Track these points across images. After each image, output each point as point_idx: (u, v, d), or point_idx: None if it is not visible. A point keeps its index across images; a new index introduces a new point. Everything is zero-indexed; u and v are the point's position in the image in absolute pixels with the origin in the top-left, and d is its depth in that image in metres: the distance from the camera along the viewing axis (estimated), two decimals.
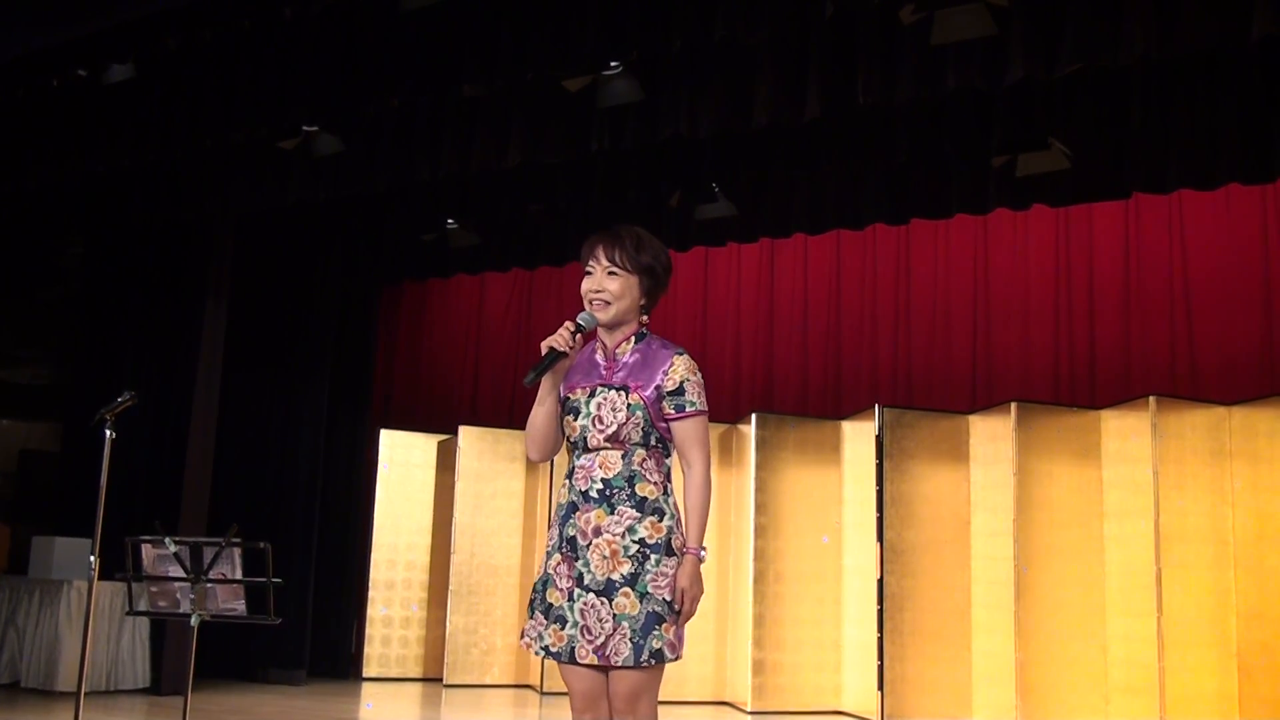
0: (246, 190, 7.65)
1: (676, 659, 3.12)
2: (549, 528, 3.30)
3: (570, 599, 3.11)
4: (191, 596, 5.06)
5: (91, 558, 5.13)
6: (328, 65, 6.58)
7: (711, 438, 9.10)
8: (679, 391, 3.17)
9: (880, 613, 7.61)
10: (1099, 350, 8.54)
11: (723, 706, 8.32)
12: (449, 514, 9.35)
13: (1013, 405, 7.57)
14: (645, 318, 3.30)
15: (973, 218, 8.44)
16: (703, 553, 3.14)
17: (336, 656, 9.57)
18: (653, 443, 3.19)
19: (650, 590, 3.06)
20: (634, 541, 3.09)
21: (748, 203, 8.06)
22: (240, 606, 5.13)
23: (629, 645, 3.03)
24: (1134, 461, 7.38)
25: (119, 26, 6.82)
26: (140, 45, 6.87)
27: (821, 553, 8.23)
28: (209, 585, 5.06)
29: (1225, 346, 8.07)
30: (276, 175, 7.48)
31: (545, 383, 3.24)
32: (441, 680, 9.13)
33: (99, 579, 5.27)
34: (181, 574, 5.05)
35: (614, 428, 3.15)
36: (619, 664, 3.04)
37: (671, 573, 3.10)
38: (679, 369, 3.19)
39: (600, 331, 3.28)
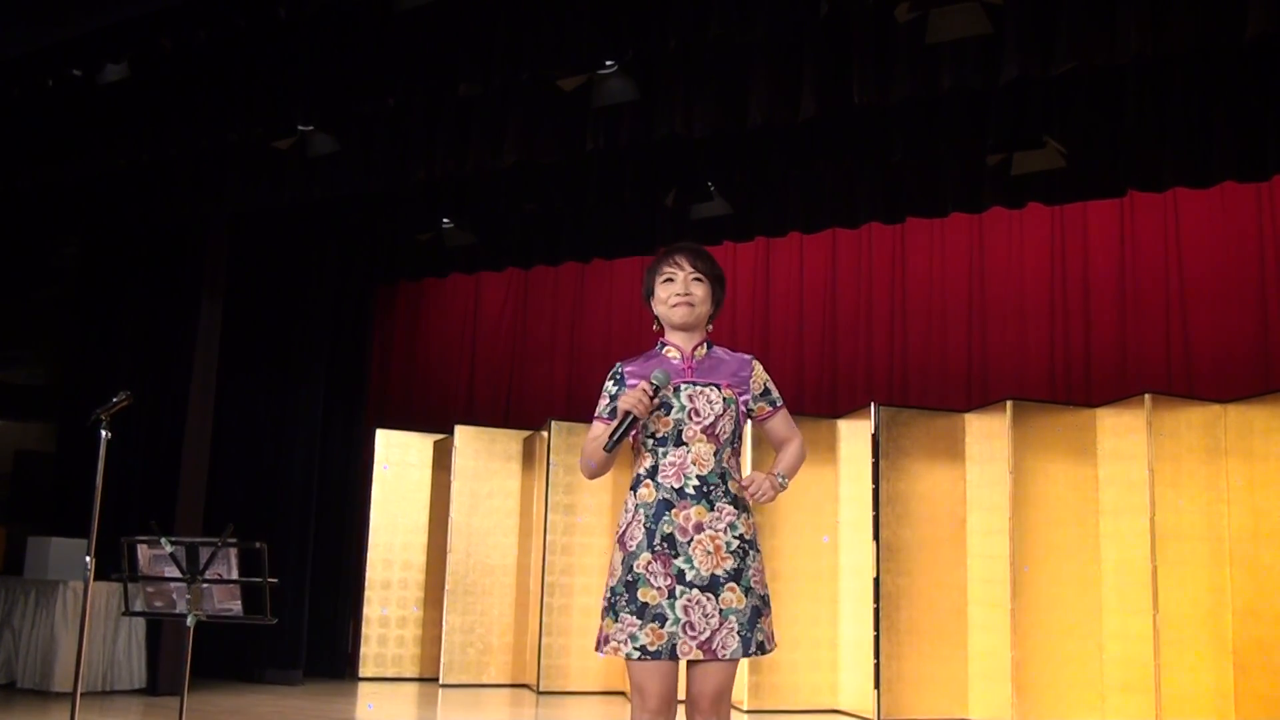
0: (241, 190, 7.64)
1: (773, 649, 3.27)
2: (623, 529, 3.27)
3: (671, 596, 3.15)
4: (187, 597, 5.06)
5: (87, 558, 5.13)
6: (322, 65, 6.58)
7: None
8: (766, 392, 3.42)
9: (876, 611, 7.62)
10: (1094, 348, 8.55)
11: None
12: (445, 513, 9.35)
13: (1008, 403, 7.57)
14: (710, 326, 3.48)
15: (968, 216, 8.45)
16: (782, 479, 3.34)
17: (333, 656, 9.56)
18: (736, 441, 3.35)
19: (753, 585, 3.20)
20: (735, 537, 3.21)
21: (743, 202, 8.06)
22: (236, 607, 5.13)
23: (737, 638, 3.14)
24: (1129, 459, 7.39)
25: (113, 26, 6.81)
26: (135, 45, 6.86)
27: (818, 551, 8.24)
28: (205, 585, 5.06)
29: (1220, 344, 8.08)
30: (271, 175, 7.47)
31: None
32: (438, 680, 9.14)
33: (95, 579, 5.27)
34: (177, 574, 5.05)
35: (711, 419, 3.27)
36: (726, 656, 3.13)
37: (762, 568, 3.27)
38: (760, 372, 3.44)
39: (675, 336, 3.42)
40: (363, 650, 9.46)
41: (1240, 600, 7.19)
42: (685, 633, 3.13)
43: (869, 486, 7.78)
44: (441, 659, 9.13)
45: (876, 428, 7.81)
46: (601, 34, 5.98)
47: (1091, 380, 8.47)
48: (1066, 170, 7.07)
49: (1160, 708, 6.98)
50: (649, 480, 3.26)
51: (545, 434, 8.99)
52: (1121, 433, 7.48)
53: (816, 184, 7.88)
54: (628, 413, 3.19)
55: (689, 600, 3.14)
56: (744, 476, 3.27)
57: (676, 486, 3.22)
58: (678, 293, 3.36)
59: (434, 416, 10.27)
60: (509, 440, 9.54)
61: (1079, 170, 7.14)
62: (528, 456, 9.52)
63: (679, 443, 3.25)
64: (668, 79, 6.38)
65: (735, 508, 3.23)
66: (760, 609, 3.18)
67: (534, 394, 10.34)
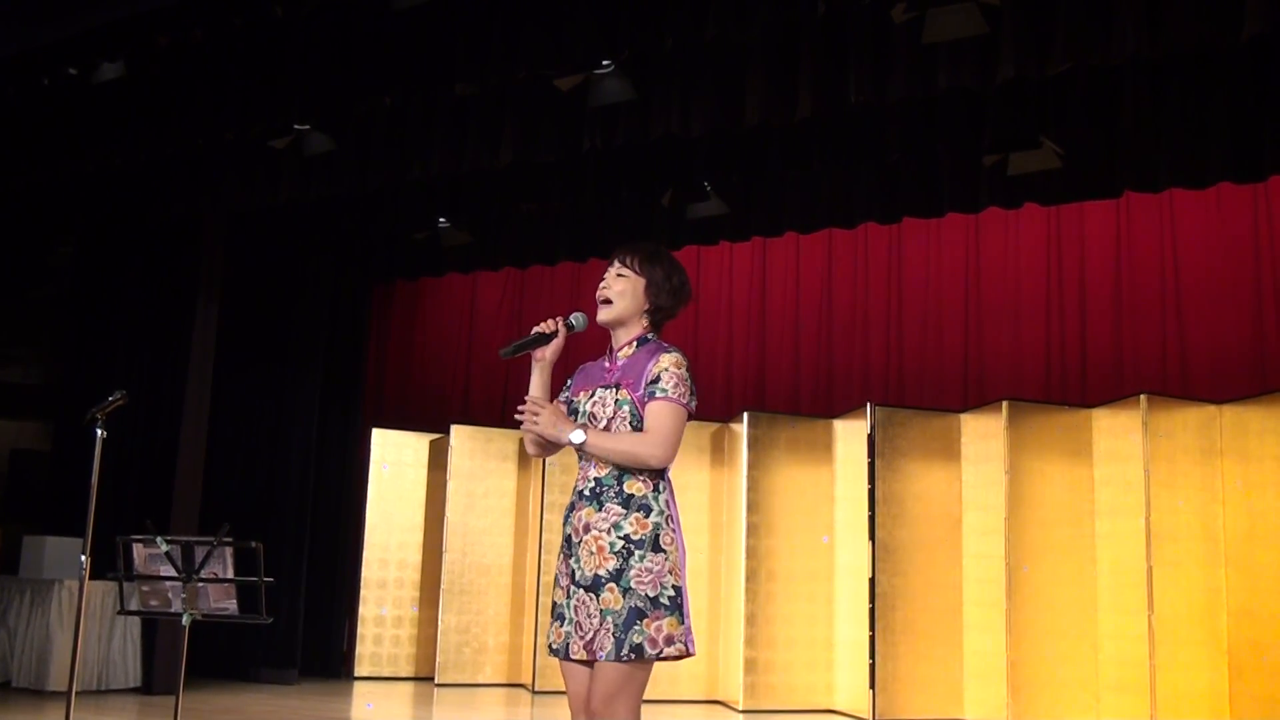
0: (238, 189, 7.63)
1: (684, 654, 3.12)
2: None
3: (568, 596, 3.19)
4: (183, 596, 5.06)
5: (83, 557, 5.11)
6: (319, 64, 6.57)
7: (704, 436, 8.99)
8: (655, 380, 3.19)
9: (872, 611, 7.62)
10: (1090, 349, 8.56)
11: (715, 705, 8.33)
12: (441, 513, 9.34)
13: (1004, 404, 7.58)
14: (647, 321, 3.33)
15: (964, 216, 8.46)
16: (572, 437, 3.17)
17: (328, 656, 9.56)
18: None
19: (633, 585, 3.09)
20: (619, 537, 3.13)
21: (740, 201, 8.06)
22: (232, 606, 5.12)
23: (611, 639, 3.06)
24: (1125, 460, 7.39)
25: (110, 25, 6.80)
26: (131, 44, 6.85)
27: (814, 551, 8.24)
28: (200, 584, 5.05)
29: (1216, 345, 8.10)
30: (268, 174, 7.47)
31: (535, 377, 3.31)
32: (433, 680, 9.13)
33: (90, 578, 5.25)
34: (173, 573, 5.04)
35: (603, 423, 3.22)
36: (601, 658, 3.06)
37: (656, 569, 3.12)
38: (663, 362, 3.21)
39: (613, 336, 3.35)
40: (358, 649, 9.45)
41: (1235, 601, 7.20)
42: (576, 632, 3.14)
43: (865, 487, 7.78)
44: (437, 658, 9.13)
45: (872, 428, 7.82)
46: (598, 33, 5.97)
47: (1087, 381, 8.48)
48: (1063, 171, 7.07)
49: (1155, 708, 6.98)
50: (574, 485, 3.31)
51: None
52: (1117, 433, 7.49)
53: (813, 184, 7.88)
54: (537, 331, 3.27)
55: (578, 601, 3.15)
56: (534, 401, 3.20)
57: (579, 489, 3.24)
58: (600, 287, 3.32)
59: (430, 416, 10.27)
60: (505, 440, 9.53)
61: (1075, 171, 7.14)
62: (523, 457, 9.51)
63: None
64: (664, 79, 6.37)
65: (624, 508, 3.14)
66: (643, 610, 3.06)
67: None
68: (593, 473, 3.21)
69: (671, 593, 3.12)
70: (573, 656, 3.14)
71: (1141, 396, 7.32)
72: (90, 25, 6.82)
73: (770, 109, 6.12)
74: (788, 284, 9.75)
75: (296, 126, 7.07)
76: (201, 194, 7.75)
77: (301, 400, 9.45)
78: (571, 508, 3.25)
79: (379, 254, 9.87)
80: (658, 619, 3.08)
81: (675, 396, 3.17)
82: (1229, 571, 7.25)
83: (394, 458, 9.75)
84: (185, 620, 5.07)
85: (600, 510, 3.16)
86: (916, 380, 9.08)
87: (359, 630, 9.48)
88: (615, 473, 3.18)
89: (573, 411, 3.30)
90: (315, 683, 9.13)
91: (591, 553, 3.14)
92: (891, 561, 7.72)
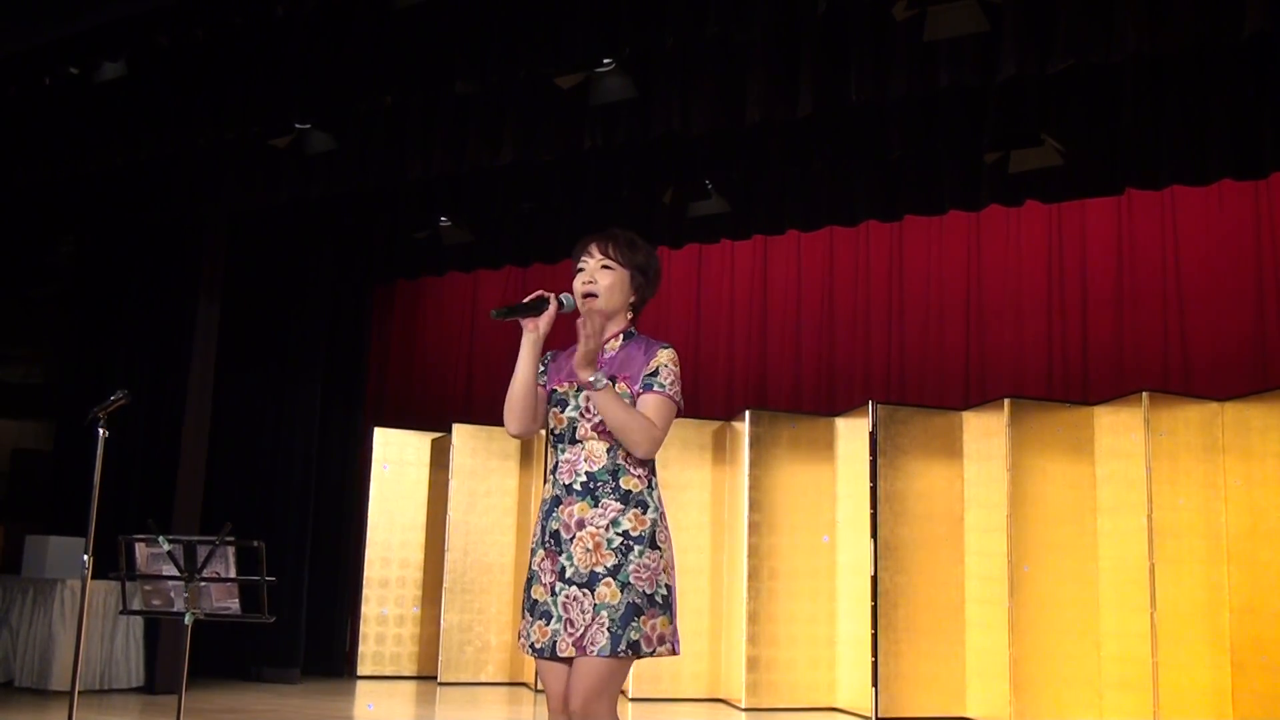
0: (239, 188, 7.63)
1: (671, 653, 3.11)
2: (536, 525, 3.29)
3: (553, 593, 3.10)
4: (185, 595, 5.06)
5: (85, 557, 5.12)
6: (320, 63, 6.57)
7: (705, 435, 8.99)
8: (653, 373, 3.18)
9: (874, 609, 7.62)
10: (1092, 346, 8.55)
11: (717, 703, 8.32)
12: (443, 512, 9.34)
13: (1006, 401, 7.57)
14: (631, 315, 3.33)
15: (965, 214, 8.44)
16: (595, 379, 3.06)
17: (331, 655, 9.56)
18: None
19: (632, 581, 3.05)
20: (618, 534, 3.09)
21: (741, 199, 8.05)
22: (234, 605, 5.13)
23: (606, 634, 3.01)
24: (1127, 457, 7.39)
25: (111, 24, 6.81)
26: (132, 43, 6.85)
27: (816, 549, 8.24)
28: (203, 584, 5.05)
29: (1217, 342, 8.09)
30: (269, 173, 7.47)
31: (526, 349, 3.23)
32: (436, 678, 9.14)
33: (93, 578, 5.26)
34: (175, 573, 5.05)
35: (599, 417, 3.15)
36: (594, 653, 3.00)
37: (654, 565, 3.10)
38: (661, 357, 3.21)
39: None
40: (360, 648, 9.46)
41: (1238, 598, 7.20)
42: (565, 630, 3.06)
43: (867, 484, 7.78)
44: (439, 657, 9.13)
45: (874, 426, 7.81)
46: (599, 32, 5.97)
47: (1089, 378, 8.47)
48: (1064, 168, 7.06)
49: (1158, 705, 6.98)
50: (550, 476, 3.24)
51: (542, 432, 8.97)
52: (1119, 431, 7.49)
53: (814, 182, 7.87)
54: (539, 298, 3.20)
55: (568, 597, 3.07)
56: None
57: (566, 483, 3.16)
58: (585, 282, 3.25)
59: (432, 415, 10.27)
60: (506, 439, 9.52)
61: (1076, 168, 7.13)
62: (525, 455, 9.52)
63: (573, 440, 3.20)
64: (665, 77, 6.37)
65: (622, 503, 3.11)
66: (640, 607, 3.03)
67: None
68: (583, 467, 3.15)
69: (664, 591, 3.11)
70: (561, 654, 3.06)
71: (1143, 394, 7.31)
72: (91, 25, 6.82)
73: (771, 107, 6.12)
74: (789, 282, 9.74)
75: (297, 125, 7.06)
76: (202, 193, 7.74)
77: (303, 399, 9.45)
78: (556, 502, 3.17)
79: (380, 253, 9.87)
80: (653, 617, 3.06)
81: (671, 392, 3.18)
82: (1231, 568, 7.25)
83: (395, 457, 9.75)
84: (187, 620, 5.07)
85: (596, 506, 3.11)
86: (918, 378, 9.08)
87: (361, 629, 9.48)
88: (610, 468, 3.14)
89: (558, 402, 3.25)
90: (317, 682, 9.13)
91: (588, 549, 3.08)
92: (893, 559, 7.72)
